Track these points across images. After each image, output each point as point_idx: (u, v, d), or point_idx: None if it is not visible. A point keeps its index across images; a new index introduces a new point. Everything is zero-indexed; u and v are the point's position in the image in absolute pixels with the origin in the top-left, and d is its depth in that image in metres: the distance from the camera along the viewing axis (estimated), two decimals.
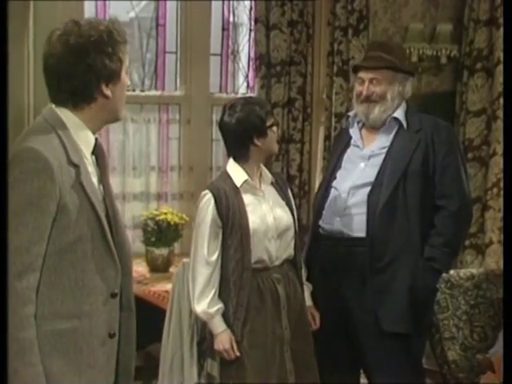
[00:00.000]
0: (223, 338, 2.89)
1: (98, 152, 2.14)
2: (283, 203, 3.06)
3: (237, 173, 2.98)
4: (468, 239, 4.87)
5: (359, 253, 3.09)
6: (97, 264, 2.06)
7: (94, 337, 2.07)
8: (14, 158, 1.96)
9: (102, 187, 2.14)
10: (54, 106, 2.10)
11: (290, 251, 3.05)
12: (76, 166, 2.02)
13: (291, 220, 3.04)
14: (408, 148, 3.12)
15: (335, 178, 3.25)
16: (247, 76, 4.83)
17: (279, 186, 3.10)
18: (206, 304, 2.89)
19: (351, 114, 3.35)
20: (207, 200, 2.92)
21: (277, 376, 2.94)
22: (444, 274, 3.44)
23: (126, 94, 2.18)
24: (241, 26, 4.94)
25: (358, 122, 3.30)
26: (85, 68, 2.03)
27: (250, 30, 4.71)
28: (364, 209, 3.09)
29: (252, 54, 4.66)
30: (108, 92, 2.08)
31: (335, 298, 3.17)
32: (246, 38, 4.82)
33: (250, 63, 4.74)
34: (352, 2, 4.44)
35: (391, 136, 3.18)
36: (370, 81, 3.15)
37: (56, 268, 2.00)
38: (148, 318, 2.66)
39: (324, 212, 3.23)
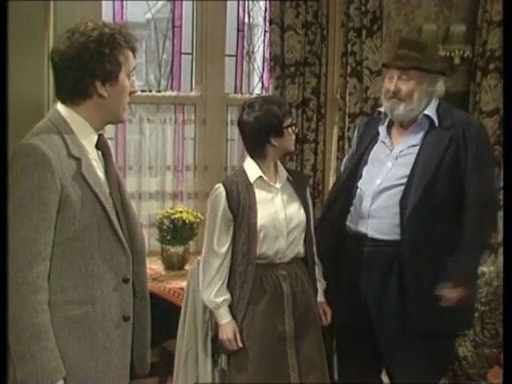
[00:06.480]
0: (227, 329, 2.98)
1: (102, 147, 2.21)
2: (298, 201, 3.08)
3: (252, 169, 3.04)
4: None
5: (383, 253, 3.08)
6: (105, 251, 2.11)
7: (108, 320, 2.12)
8: (13, 155, 2.03)
9: (108, 179, 2.19)
10: (57, 105, 2.17)
11: (299, 249, 3.07)
12: (77, 159, 2.08)
13: (304, 218, 3.07)
14: (439, 146, 3.08)
15: (361, 175, 3.22)
16: (262, 77, 4.85)
17: (296, 184, 3.12)
18: (212, 293, 2.99)
19: (382, 109, 3.30)
20: (219, 193, 3.00)
21: (278, 370, 2.97)
22: None
23: (126, 97, 2.20)
24: (256, 27, 4.96)
25: (388, 120, 3.26)
26: (79, 64, 2.09)
27: (265, 31, 4.73)
28: (389, 211, 3.08)
29: (267, 55, 4.68)
30: (103, 91, 2.13)
31: (358, 297, 3.16)
32: (261, 38, 4.85)
33: (265, 64, 4.76)
34: (366, 3, 4.45)
35: (422, 134, 3.15)
36: (399, 78, 3.15)
37: (66, 256, 2.06)
38: (163, 315, 2.70)
39: (351, 211, 3.22)
